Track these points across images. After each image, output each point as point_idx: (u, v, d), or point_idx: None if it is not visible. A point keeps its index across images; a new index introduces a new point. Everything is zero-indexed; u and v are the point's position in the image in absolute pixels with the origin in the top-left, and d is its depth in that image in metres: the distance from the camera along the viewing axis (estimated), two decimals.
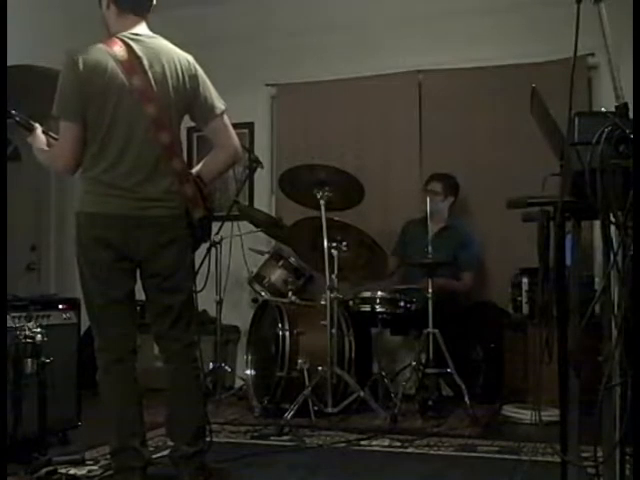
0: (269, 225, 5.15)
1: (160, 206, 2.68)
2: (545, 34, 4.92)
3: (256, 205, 5.66)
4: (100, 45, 2.65)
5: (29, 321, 3.37)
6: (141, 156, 2.66)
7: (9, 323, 3.27)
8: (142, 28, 2.75)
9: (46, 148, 2.83)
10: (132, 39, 2.68)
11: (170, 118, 2.71)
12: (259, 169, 5.07)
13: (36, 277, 6.18)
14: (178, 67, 2.71)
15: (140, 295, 2.79)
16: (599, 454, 1.91)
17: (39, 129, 2.85)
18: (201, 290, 2.99)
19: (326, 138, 5.51)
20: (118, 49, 2.64)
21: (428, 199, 4.57)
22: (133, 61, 2.64)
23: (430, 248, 4.38)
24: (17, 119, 2.88)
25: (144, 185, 2.66)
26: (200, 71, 2.77)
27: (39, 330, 3.33)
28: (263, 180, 5.64)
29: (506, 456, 3.38)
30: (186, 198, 2.72)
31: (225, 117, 2.79)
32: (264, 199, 5.75)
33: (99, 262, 2.66)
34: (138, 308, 2.82)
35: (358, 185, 4.53)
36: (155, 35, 2.76)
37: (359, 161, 5.36)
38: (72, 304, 3.74)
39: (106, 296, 2.69)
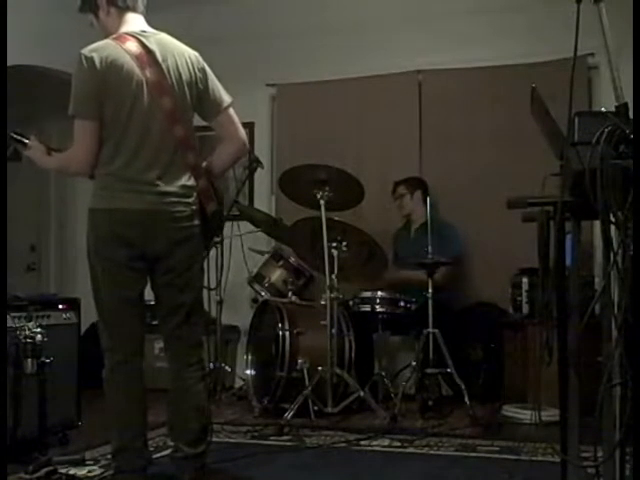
0: (269, 225, 5.15)
1: (178, 202, 2.67)
2: (545, 34, 4.93)
3: (256, 205, 5.66)
4: (111, 41, 2.65)
5: (29, 321, 3.37)
6: (158, 150, 2.65)
7: (9, 323, 3.27)
8: (145, 26, 2.77)
9: (47, 156, 2.78)
10: (141, 35, 2.69)
11: (184, 111, 2.71)
12: (259, 169, 5.07)
13: (36, 277, 6.19)
14: (188, 61, 2.73)
15: (147, 296, 2.78)
16: (599, 454, 1.91)
17: (32, 139, 2.79)
18: (215, 288, 2.96)
19: (326, 138, 5.51)
20: (130, 44, 2.64)
21: (430, 200, 4.56)
22: (146, 55, 2.65)
23: (430, 248, 4.38)
24: (13, 135, 2.81)
25: (162, 180, 2.65)
26: (207, 66, 2.80)
27: (39, 330, 3.33)
28: (263, 180, 5.64)
29: (506, 456, 3.39)
30: (200, 192, 2.73)
31: (231, 110, 2.81)
32: (264, 199, 5.76)
33: (115, 260, 2.63)
34: None
35: (358, 185, 4.54)
36: (159, 32, 2.78)
37: (359, 161, 5.36)
38: (72, 304, 3.75)
39: (118, 295, 2.67)
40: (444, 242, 4.78)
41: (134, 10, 2.76)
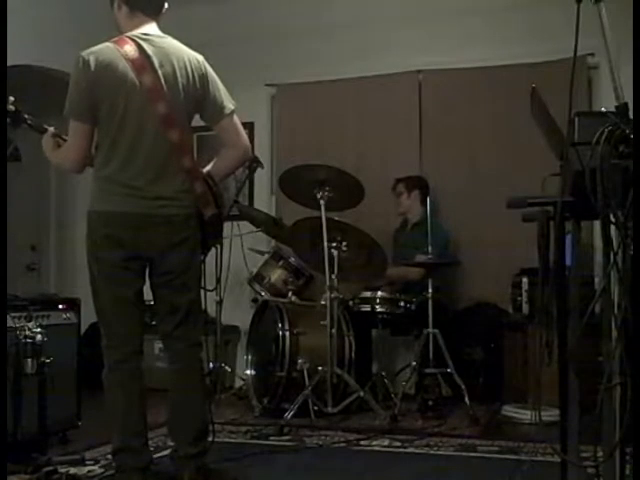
0: (269, 225, 5.15)
1: (172, 205, 2.68)
2: (545, 34, 4.93)
3: (256, 205, 5.66)
4: (110, 44, 2.66)
5: (29, 321, 3.36)
6: (151, 154, 2.66)
7: (9, 323, 3.27)
8: (152, 28, 2.76)
9: (55, 149, 2.82)
10: (142, 39, 2.69)
11: (180, 116, 2.71)
12: (259, 169, 5.07)
13: (36, 277, 6.19)
14: (188, 66, 2.72)
15: (147, 296, 2.78)
16: (599, 454, 1.91)
17: (50, 131, 2.85)
18: (214, 289, 2.97)
19: (326, 138, 5.52)
20: (128, 48, 2.65)
21: (430, 200, 4.57)
22: (143, 60, 2.65)
23: (430, 248, 4.39)
24: (29, 122, 2.90)
25: (156, 184, 2.66)
26: (210, 71, 2.78)
27: (39, 330, 3.33)
28: (263, 180, 5.65)
29: (506, 456, 3.38)
30: (196, 196, 2.73)
31: (235, 116, 2.81)
32: (264, 199, 5.76)
33: (110, 260, 2.66)
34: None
35: (358, 185, 4.53)
36: (165, 35, 2.78)
37: (359, 161, 5.36)
38: (72, 304, 3.75)
39: (115, 295, 2.69)
40: (433, 242, 4.79)
41: (145, 13, 2.75)
